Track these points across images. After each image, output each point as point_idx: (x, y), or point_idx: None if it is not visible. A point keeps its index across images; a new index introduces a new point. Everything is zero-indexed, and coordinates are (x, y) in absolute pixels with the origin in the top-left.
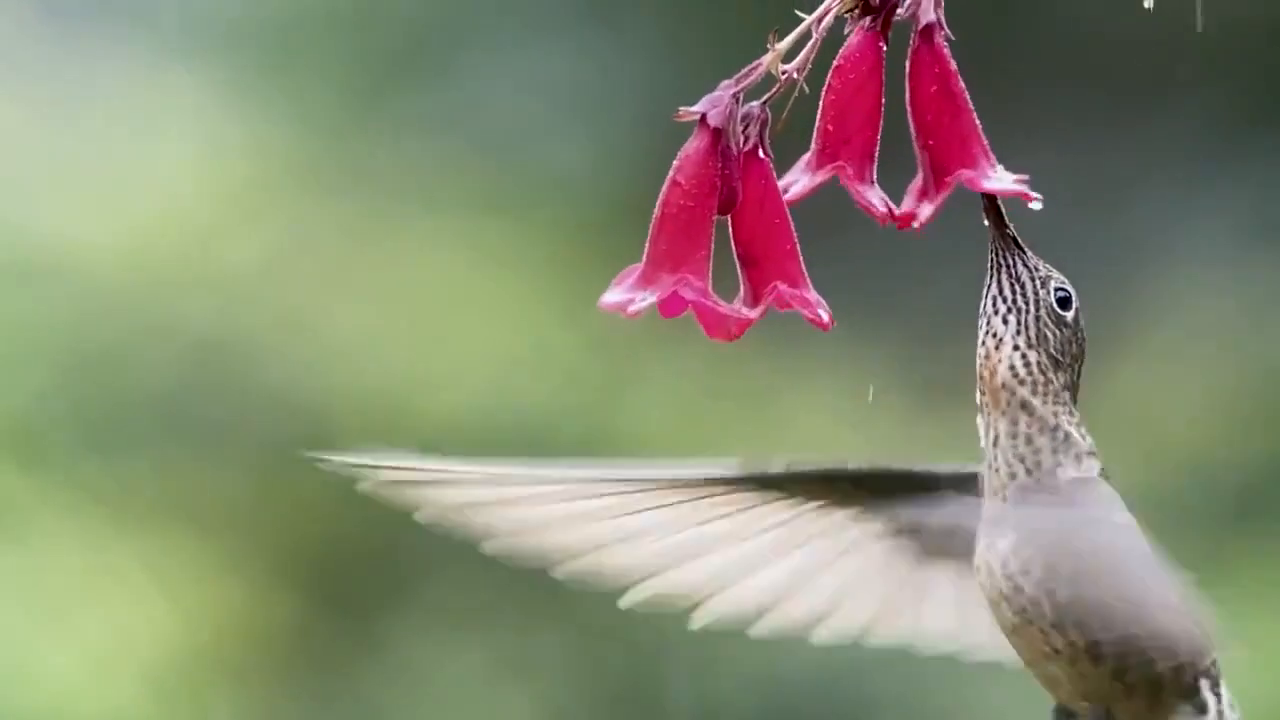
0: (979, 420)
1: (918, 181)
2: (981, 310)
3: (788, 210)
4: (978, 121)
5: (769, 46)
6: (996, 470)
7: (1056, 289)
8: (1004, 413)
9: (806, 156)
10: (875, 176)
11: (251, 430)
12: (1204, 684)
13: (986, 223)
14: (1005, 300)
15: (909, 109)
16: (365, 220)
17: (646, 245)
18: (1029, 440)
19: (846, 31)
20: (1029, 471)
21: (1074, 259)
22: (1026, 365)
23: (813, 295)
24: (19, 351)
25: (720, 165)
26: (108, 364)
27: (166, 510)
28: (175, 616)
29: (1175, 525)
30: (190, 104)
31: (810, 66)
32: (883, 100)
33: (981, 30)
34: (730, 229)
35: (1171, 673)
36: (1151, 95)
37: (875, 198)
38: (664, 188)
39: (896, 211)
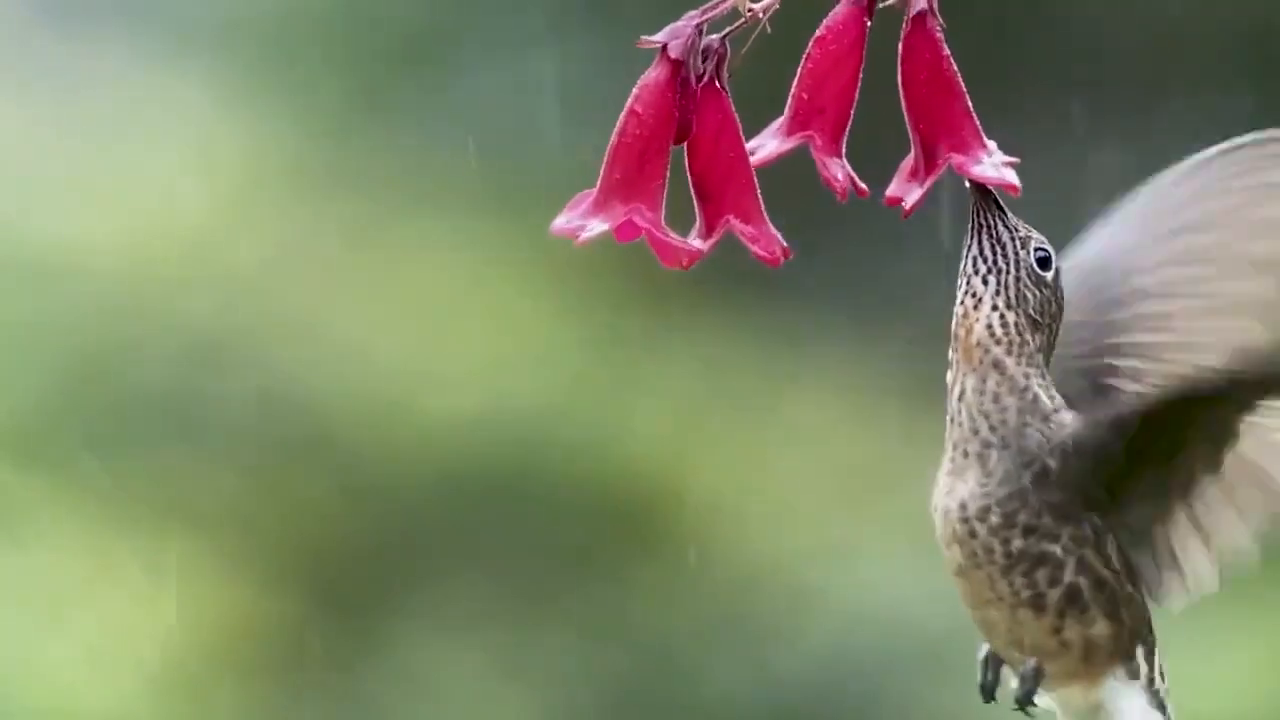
0: (948, 375)
1: (908, 162)
2: (961, 270)
3: (744, 144)
4: (970, 105)
5: None
6: (960, 425)
7: (1036, 249)
8: (974, 369)
9: (778, 122)
10: (844, 150)
11: (251, 430)
12: (1140, 650)
13: (967, 183)
14: (985, 260)
15: (901, 93)
16: (365, 220)
17: (601, 173)
18: (996, 399)
19: None
20: (993, 429)
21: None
22: (1004, 325)
23: (767, 229)
24: (19, 351)
25: (679, 96)
26: (108, 364)
27: (166, 510)
28: (175, 616)
29: None
30: (190, 103)
31: (776, 7)
32: (860, 76)
33: (981, 30)
34: (686, 161)
35: (1109, 635)
36: (1151, 95)
37: (840, 171)
38: (621, 116)
39: (860, 187)
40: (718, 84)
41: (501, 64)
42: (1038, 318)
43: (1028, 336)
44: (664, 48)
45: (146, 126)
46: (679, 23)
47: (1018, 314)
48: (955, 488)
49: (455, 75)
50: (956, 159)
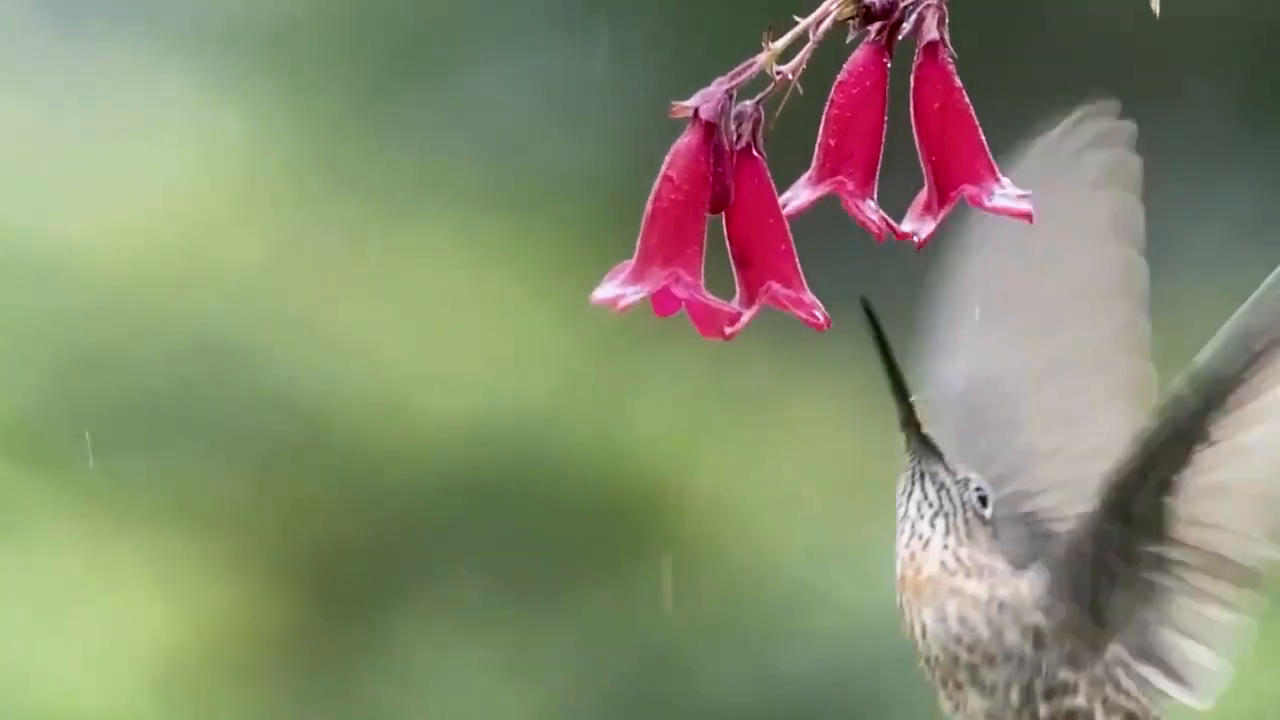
0: (902, 626)
1: (922, 197)
2: (903, 515)
3: (782, 210)
4: (983, 137)
5: (764, 46)
6: (936, 661)
7: (976, 488)
8: (929, 602)
9: (807, 173)
10: (875, 192)
11: (251, 430)
12: None
13: (902, 433)
14: (931, 505)
15: (914, 125)
16: (365, 220)
17: (638, 241)
18: (962, 620)
19: (849, 40)
20: (971, 649)
21: None
22: (958, 559)
23: (808, 296)
24: (19, 351)
25: (712, 161)
26: (108, 364)
27: (166, 510)
28: (175, 616)
29: None
30: (190, 103)
31: (804, 68)
32: (885, 116)
33: (980, 30)
34: (724, 229)
35: None
36: (1152, 95)
37: (874, 214)
38: (656, 183)
39: (897, 229)
40: (754, 150)
41: (501, 64)
42: (987, 556)
43: (984, 563)
44: (696, 111)
45: (146, 126)
46: (709, 88)
47: (970, 551)
48: (968, 707)
49: (455, 75)
50: (970, 191)
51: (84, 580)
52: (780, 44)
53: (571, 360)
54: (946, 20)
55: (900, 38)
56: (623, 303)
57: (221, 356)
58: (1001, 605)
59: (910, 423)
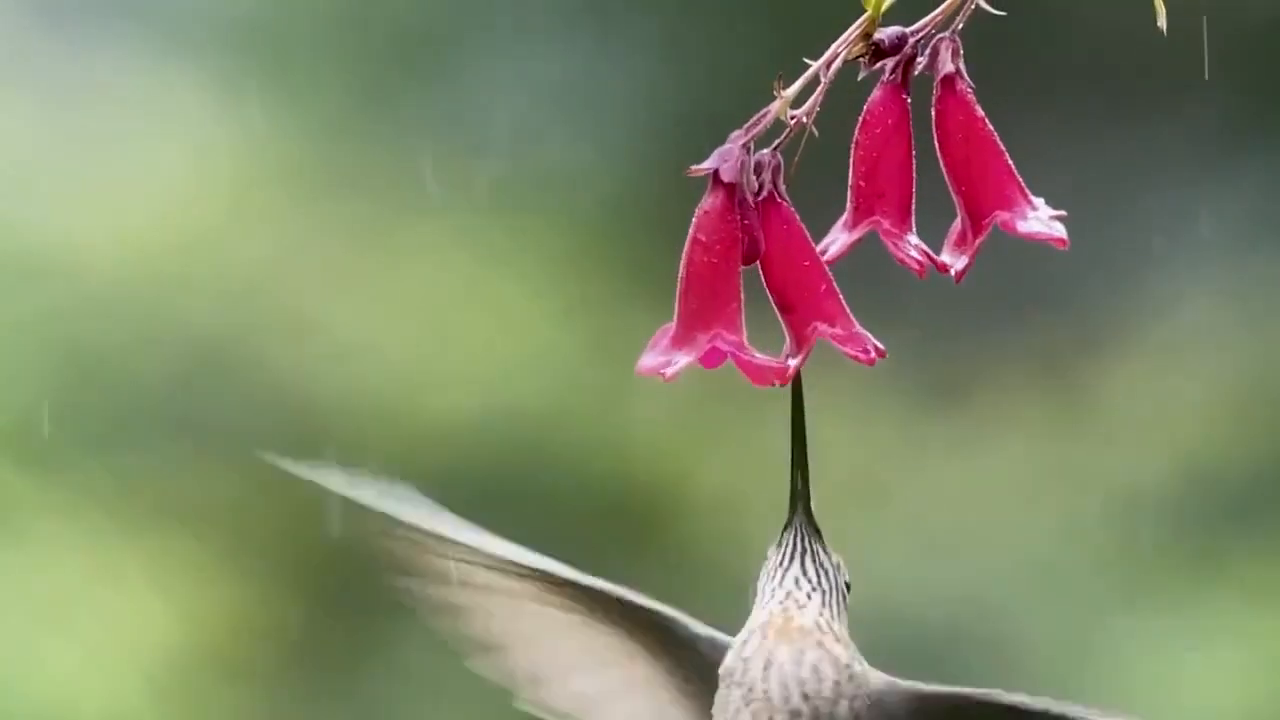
0: (736, 660)
1: (956, 226)
2: (778, 584)
3: (815, 249)
4: (1010, 161)
5: (776, 94)
6: (764, 696)
7: (844, 573)
8: (791, 642)
9: (843, 216)
10: (914, 226)
11: (252, 430)
12: None
13: (789, 513)
14: (810, 580)
15: (940, 157)
16: (365, 220)
17: (676, 304)
18: (815, 670)
19: (860, 77)
20: (806, 697)
21: (1075, 258)
22: (830, 629)
23: (856, 330)
24: (19, 351)
25: (739, 217)
26: (108, 364)
27: (166, 510)
28: (175, 616)
29: (1175, 525)
30: (190, 103)
31: (819, 110)
32: (913, 150)
33: (980, 31)
34: (762, 278)
35: None
36: (1153, 95)
37: (913, 250)
38: (686, 246)
39: (938, 262)
40: (777, 196)
41: (501, 64)
42: (847, 636)
43: (847, 640)
44: (715, 173)
45: (146, 127)
46: (725, 145)
47: (841, 628)
48: None
49: (455, 75)
50: (1002, 217)
51: (84, 580)
52: (792, 90)
53: (571, 360)
54: (960, 51)
55: (916, 72)
56: (669, 371)
57: (221, 356)
58: (852, 677)
59: (803, 496)
